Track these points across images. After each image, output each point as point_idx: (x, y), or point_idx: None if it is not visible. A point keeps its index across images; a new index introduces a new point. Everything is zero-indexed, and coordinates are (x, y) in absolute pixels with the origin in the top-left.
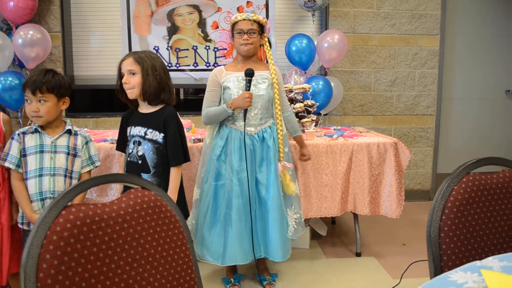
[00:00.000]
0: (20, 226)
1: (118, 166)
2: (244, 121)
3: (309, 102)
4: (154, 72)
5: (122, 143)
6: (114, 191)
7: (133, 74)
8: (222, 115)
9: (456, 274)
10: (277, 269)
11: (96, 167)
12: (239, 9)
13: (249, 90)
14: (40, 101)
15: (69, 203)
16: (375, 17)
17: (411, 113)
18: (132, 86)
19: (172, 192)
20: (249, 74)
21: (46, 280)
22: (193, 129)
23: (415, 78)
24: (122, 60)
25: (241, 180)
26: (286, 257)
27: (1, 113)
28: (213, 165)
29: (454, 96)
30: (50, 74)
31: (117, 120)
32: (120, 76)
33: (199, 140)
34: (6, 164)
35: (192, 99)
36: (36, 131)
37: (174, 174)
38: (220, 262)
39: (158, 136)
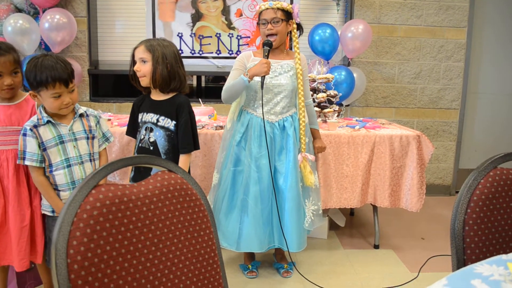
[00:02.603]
0: (50, 214)
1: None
2: (262, 88)
3: (332, 92)
4: (165, 60)
5: (133, 129)
6: None
7: (144, 62)
8: (240, 85)
9: (482, 267)
10: (294, 258)
11: (110, 142)
12: None
13: (267, 59)
14: (71, 91)
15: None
16: (401, 7)
17: (435, 107)
18: (143, 74)
19: None
20: (268, 44)
21: (76, 257)
22: (215, 116)
23: (440, 71)
24: (136, 47)
25: (260, 167)
26: (301, 248)
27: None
28: (233, 151)
29: (479, 91)
30: (60, 61)
31: None
32: (134, 63)
33: (221, 127)
34: (28, 163)
35: (215, 87)
36: (48, 122)
37: (184, 161)
38: (235, 247)
39: (170, 124)
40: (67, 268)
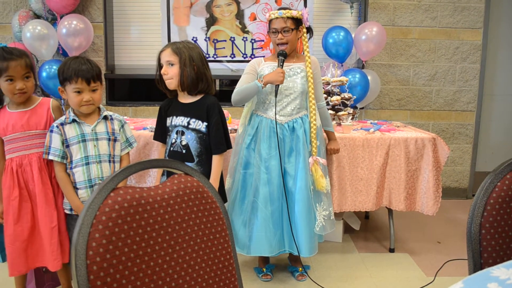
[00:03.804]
0: (68, 212)
1: (156, 154)
2: (276, 96)
3: (346, 95)
4: (192, 62)
5: (161, 133)
6: (152, 178)
7: (172, 65)
8: (252, 89)
9: (498, 270)
10: (309, 261)
11: (133, 147)
12: (277, 1)
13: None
14: (93, 90)
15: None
16: (415, 9)
17: (451, 109)
18: (171, 76)
19: (214, 179)
20: (283, 54)
21: (95, 258)
22: (229, 119)
23: (455, 73)
24: (161, 51)
25: (269, 168)
26: (312, 253)
27: (51, 99)
28: (243, 154)
29: (496, 92)
30: (89, 62)
31: (155, 109)
32: (160, 66)
33: (235, 131)
34: (51, 157)
35: (229, 90)
36: (73, 121)
37: (217, 161)
38: (245, 252)
39: (201, 126)
40: (86, 269)
